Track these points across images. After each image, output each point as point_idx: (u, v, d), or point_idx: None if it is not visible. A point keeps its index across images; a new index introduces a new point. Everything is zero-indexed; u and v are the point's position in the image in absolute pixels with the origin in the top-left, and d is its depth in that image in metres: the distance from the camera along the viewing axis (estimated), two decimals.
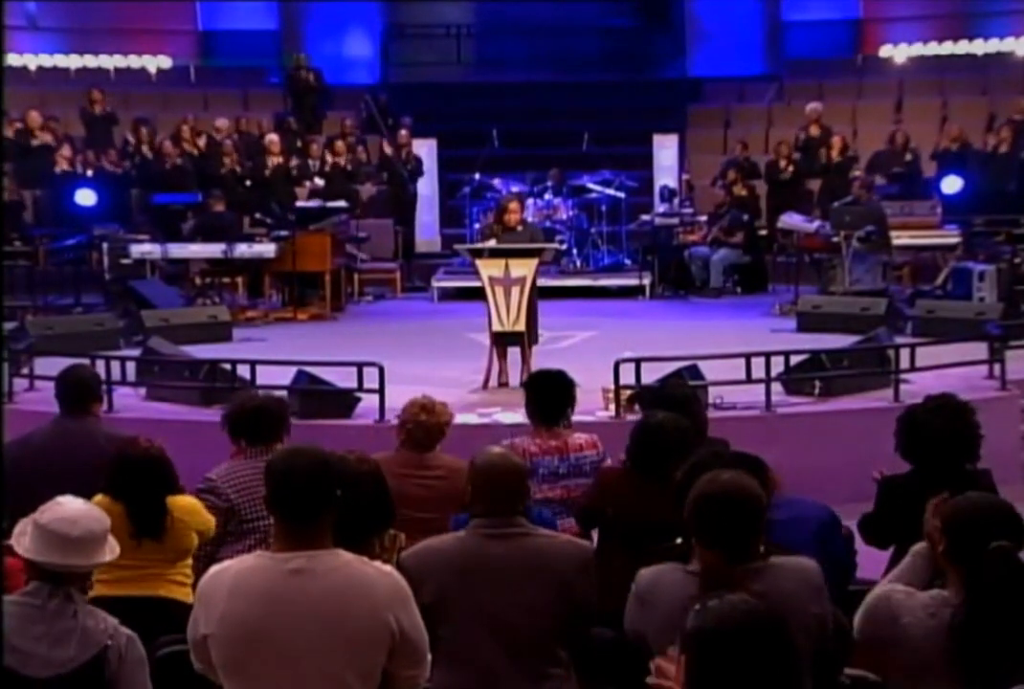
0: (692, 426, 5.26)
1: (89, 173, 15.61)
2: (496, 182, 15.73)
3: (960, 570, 3.36)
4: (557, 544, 3.99)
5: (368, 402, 8.41)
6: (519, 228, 9.75)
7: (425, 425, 5.57)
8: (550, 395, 6.03)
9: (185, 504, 4.95)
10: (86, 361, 8.09)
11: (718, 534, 3.44)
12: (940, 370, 8.92)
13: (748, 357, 8.44)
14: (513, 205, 9.89)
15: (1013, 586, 3.11)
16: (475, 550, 3.90)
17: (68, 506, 3.48)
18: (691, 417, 5.51)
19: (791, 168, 15.87)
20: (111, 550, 3.48)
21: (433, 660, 3.54)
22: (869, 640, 3.47)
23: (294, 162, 16.03)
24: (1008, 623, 3.00)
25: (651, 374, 8.03)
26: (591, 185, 15.95)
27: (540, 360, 9.22)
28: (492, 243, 9.56)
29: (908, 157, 15.84)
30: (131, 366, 9.34)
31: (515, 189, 15.05)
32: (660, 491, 4.88)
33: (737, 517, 3.44)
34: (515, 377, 9.29)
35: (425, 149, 17.09)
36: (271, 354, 9.82)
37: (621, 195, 15.79)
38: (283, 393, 8.26)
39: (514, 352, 9.48)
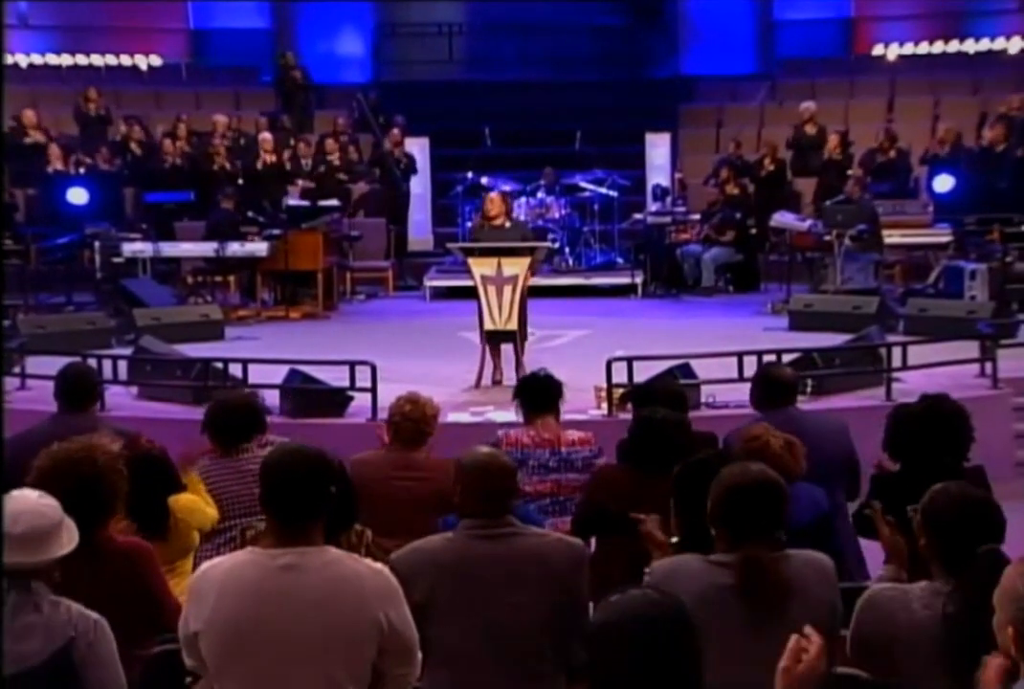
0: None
1: (81, 172, 15.59)
2: (488, 181, 15.74)
3: (943, 563, 3.41)
4: (548, 543, 3.98)
5: (360, 401, 8.42)
6: (507, 224, 9.73)
7: (412, 416, 5.57)
8: (538, 393, 6.06)
9: (186, 502, 4.94)
10: (78, 360, 8.08)
11: (755, 524, 3.50)
12: (932, 369, 8.94)
13: (740, 356, 8.45)
14: (493, 203, 9.83)
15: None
16: (465, 551, 3.89)
17: (16, 501, 3.38)
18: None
19: (772, 166, 15.91)
20: (68, 541, 3.39)
21: (425, 661, 3.54)
22: (869, 642, 3.47)
23: (287, 160, 16.01)
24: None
25: (643, 373, 8.03)
26: (583, 184, 15.97)
27: (534, 358, 9.24)
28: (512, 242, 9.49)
29: (892, 154, 15.87)
30: (123, 365, 9.34)
31: (507, 188, 15.05)
32: (659, 487, 4.89)
33: (771, 506, 3.53)
34: (509, 375, 9.29)
35: (417, 148, 17.08)
36: (263, 353, 9.82)
37: (613, 194, 15.83)
38: (274, 392, 8.33)
39: (508, 350, 9.49)
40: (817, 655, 2.72)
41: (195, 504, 4.98)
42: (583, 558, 4.03)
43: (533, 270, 9.74)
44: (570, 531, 5.25)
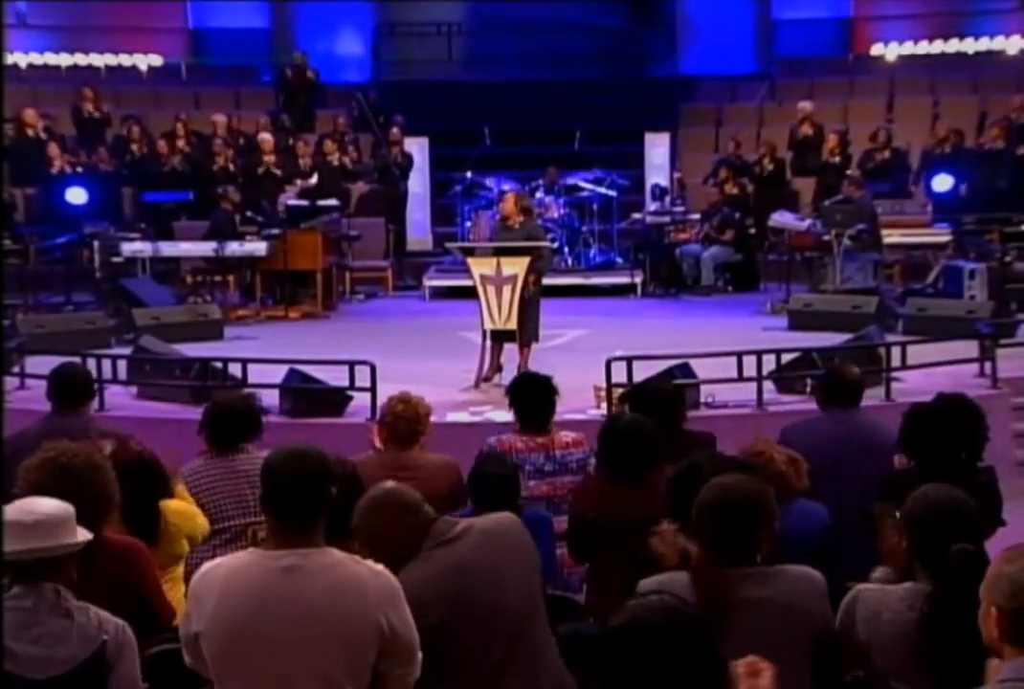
0: (662, 425, 5.23)
1: (80, 171, 15.58)
2: (488, 181, 15.74)
3: (924, 564, 3.44)
4: (504, 516, 3.93)
5: (360, 401, 8.42)
6: (518, 225, 9.72)
7: (405, 416, 5.57)
8: (534, 401, 6.02)
9: (178, 507, 4.89)
10: (77, 359, 8.07)
11: (726, 540, 3.48)
12: (931, 368, 8.94)
13: (739, 355, 8.45)
14: (505, 203, 9.86)
15: (975, 584, 3.14)
16: (458, 555, 3.83)
17: (31, 500, 3.41)
18: (671, 413, 5.53)
19: (771, 166, 15.91)
20: (82, 534, 3.41)
21: (440, 668, 3.50)
22: (851, 641, 3.50)
23: (285, 161, 16.01)
24: (970, 620, 3.01)
25: (643, 372, 8.03)
26: (583, 183, 15.97)
27: (533, 358, 9.25)
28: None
29: (886, 154, 15.88)
30: (122, 364, 9.34)
31: (507, 187, 15.06)
32: (633, 493, 4.88)
33: (744, 523, 3.48)
34: (509, 376, 9.27)
35: (417, 148, 17.08)
36: (263, 353, 9.81)
37: (612, 193, 15.83)
38: (273, 392, 8.33)
39: (509, 349, 9.48)
40: (770, 682, 2.72)
41: (188, 509, 4.95)
42: (551, 525, 3.98)
43: (543, 271, 9.71)
44: (570, 555, 5.24)
